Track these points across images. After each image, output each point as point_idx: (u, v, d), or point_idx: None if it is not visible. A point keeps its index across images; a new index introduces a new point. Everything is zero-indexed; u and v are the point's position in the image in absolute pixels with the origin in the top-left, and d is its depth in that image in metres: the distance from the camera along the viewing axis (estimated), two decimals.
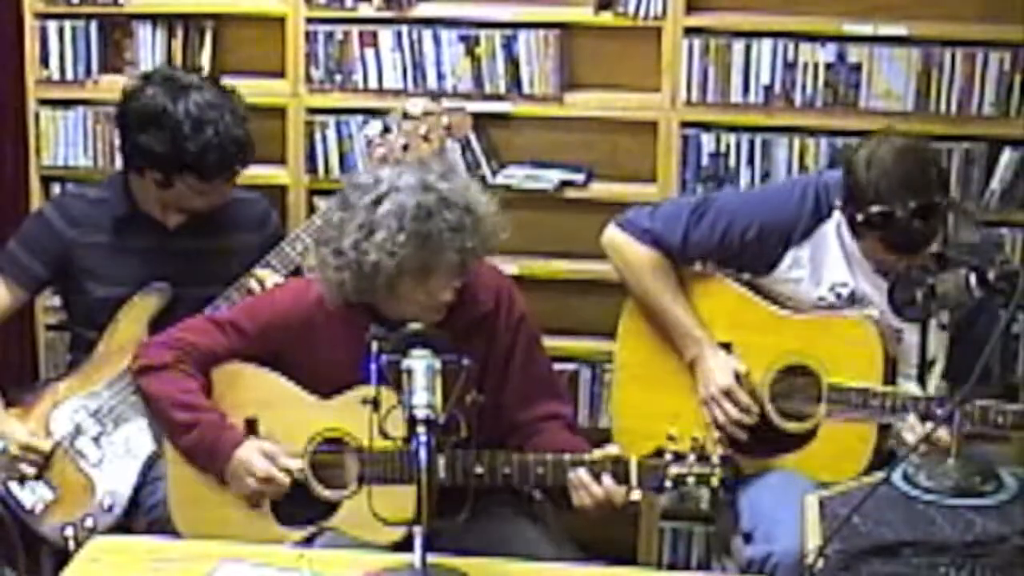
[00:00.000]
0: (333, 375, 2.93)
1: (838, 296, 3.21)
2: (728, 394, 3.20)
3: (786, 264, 3.24)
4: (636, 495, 2.85)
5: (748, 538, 3.13)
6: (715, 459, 2.78)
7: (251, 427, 3.02)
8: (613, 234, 3.35)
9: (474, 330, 3.01)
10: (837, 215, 3.19)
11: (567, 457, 2.88)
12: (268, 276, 3.36)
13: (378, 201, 2.87)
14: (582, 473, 2.85)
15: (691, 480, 2.79)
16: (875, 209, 2.98)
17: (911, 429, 2.97)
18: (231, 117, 3.31)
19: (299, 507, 2.99)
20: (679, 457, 2.79)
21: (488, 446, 2.85)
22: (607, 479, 2.84)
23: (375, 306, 2.98)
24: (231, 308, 3.24)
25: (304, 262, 3.41)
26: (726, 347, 3.26)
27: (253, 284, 3.35)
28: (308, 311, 3.04)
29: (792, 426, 3.21)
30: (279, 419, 3.02)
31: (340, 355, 2.92)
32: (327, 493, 2.98)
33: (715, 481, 2.77)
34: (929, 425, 2.93)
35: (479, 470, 2.84)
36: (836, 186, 3.20)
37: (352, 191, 2.93)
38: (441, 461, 2.64)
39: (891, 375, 3.16)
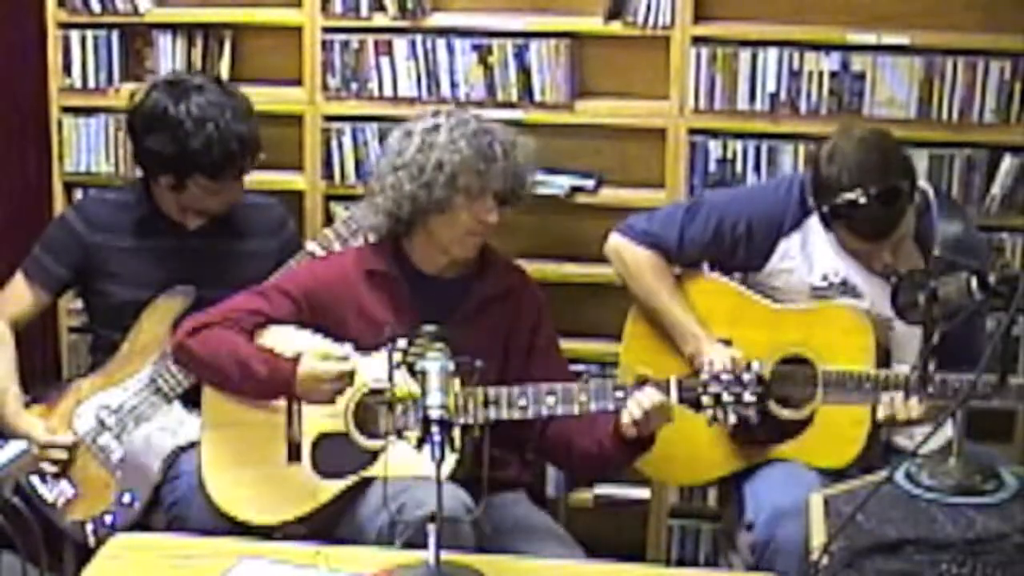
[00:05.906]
0: (376, 331, 2.99)
1: (830, 284, 3.27)
2: None
3: (777, 256, 3.30)
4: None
5: (751, 527, 3.18)
6: (747, 378, 2.90)
7: None
8: (614, 239, 3.43)
9: (498, 302, 3.16)
10: None
11: (610, 384, 3.02)
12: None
13: (437, 126, 3.08)
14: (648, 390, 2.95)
15: (727, 397, 2.90)
16: (839, 200, 3.05)
17: (888, 406, 3.07)
18: (232, 114, 3.35)
19: (338, 458, 3.05)
20: (716, 377, 2.92)
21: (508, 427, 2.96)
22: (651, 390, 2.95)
23: (412, 259, 3.14)
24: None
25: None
26: (726, 343, 3.30)
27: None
28: (347, 274, 3.16)
29: (789, 414, 3.26)
30: None
31: (380, 313, 3.06)
32: (367, 443, 3.05)
33: (748, 397, 2.89)
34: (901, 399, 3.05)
35: (523, 403, 2.97)
36: None
37: (413, 123, 3.13)
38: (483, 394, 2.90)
39: (885, 360, 3.22)
